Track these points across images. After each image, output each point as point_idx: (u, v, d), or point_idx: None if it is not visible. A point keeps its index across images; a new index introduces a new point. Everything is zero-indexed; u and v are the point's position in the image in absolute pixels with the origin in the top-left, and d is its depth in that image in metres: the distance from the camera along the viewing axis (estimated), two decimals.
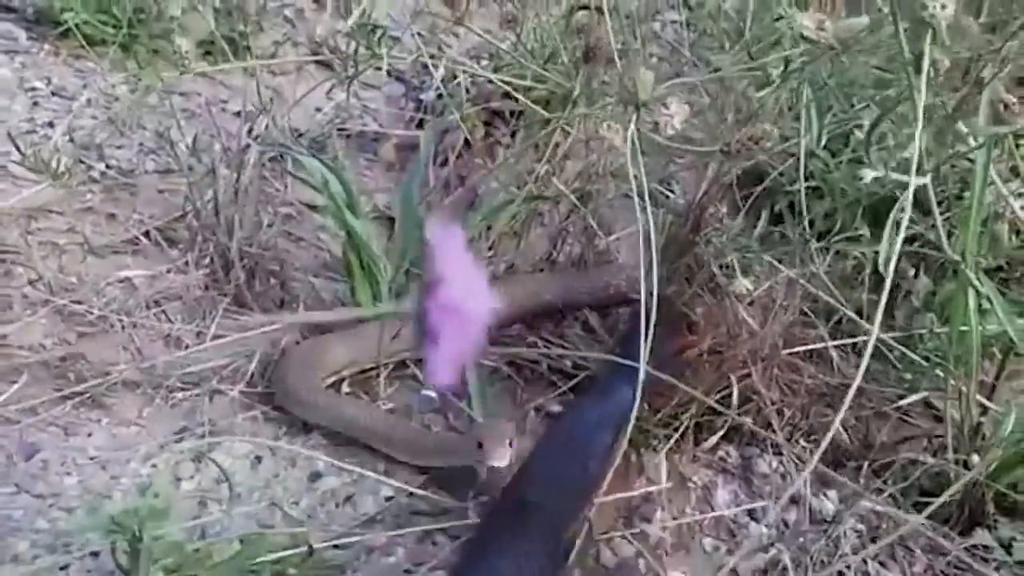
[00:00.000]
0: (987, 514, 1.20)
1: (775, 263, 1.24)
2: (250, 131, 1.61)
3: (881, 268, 0.91)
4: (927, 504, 1.11)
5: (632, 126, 1.00)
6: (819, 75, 1.28)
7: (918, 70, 0.84)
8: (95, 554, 0.99)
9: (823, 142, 1.39)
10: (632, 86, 1.00)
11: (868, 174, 0.95)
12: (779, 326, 1.21)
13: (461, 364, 0.73)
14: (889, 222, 0.95)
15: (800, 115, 1.21)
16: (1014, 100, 0.98)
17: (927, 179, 0.97)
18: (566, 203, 1.38)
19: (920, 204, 1.17)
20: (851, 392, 0.88)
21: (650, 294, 1.05)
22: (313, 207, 1.78)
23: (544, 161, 1.35)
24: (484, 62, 1.84)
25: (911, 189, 0.93)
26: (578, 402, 1.23)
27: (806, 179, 1.25)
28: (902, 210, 0.91)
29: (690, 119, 0.95)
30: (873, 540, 1.18)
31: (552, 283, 1.38)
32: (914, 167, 0.92)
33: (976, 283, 1.15)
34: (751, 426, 1.23)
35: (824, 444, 0.89)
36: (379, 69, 2.14)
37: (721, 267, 1.20)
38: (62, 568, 0.97)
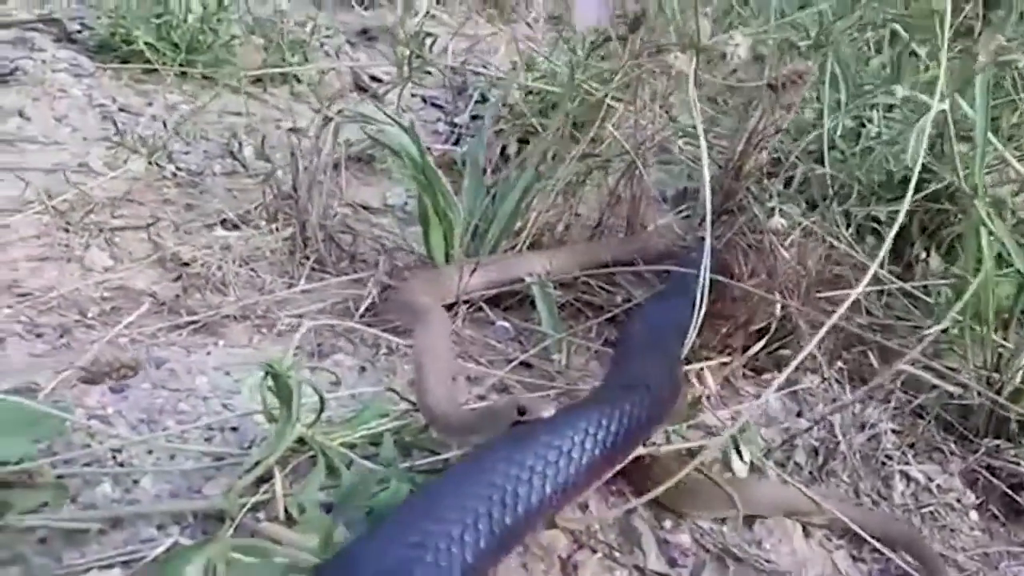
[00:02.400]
0: (1011, 433, 1.35)
1: (802, 215, 1.42)
2: (317, 137, 1.77)
3: (910, 160, 1.09)
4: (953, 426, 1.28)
5: (693, 64, 1.18)
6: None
7: None
8: (234, 428, 1.10)
9: (839, 131, 1.60)
10: (693, 33, 1.19)
11: (899, 91, 1.15)
12: (806, 261, 1.37)
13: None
14: (913, 134, 1.15)
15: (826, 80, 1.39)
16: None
17: (946, 104, 1.16)
18: (615, 170, 1.55)
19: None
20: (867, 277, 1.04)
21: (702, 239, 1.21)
22: (366, 207, 1.95)
23: (595, 127, 1.52)
24: (524, 74, 2.03)
25: (934, 109, 1.12)
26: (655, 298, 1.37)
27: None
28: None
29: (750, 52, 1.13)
30: (911, 446, 1.33)
31: (606, 247, 1.54)
32: (939, 88, 1.11)
33: (986, 219, 1.33)
34: (793, 351, 1.39)
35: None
36: (414, 95, 2.36)
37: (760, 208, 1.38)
38: (207, 439, 1.08)
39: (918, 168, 1.11)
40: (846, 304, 1.07)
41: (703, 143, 1.18)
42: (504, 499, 0.81)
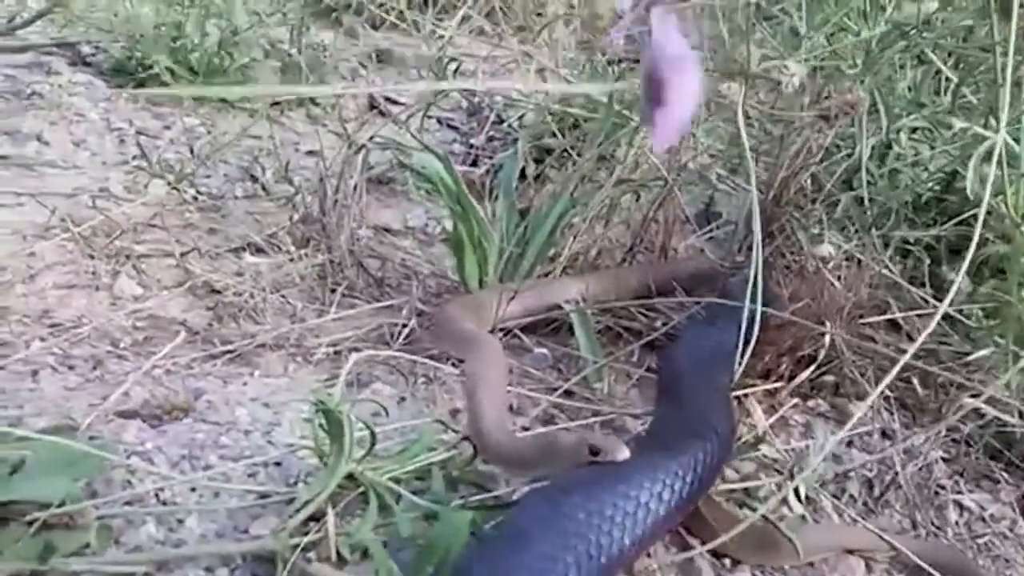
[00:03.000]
0: None
1: (844, 242, 1.40)
2: (344, 163, 1.75)
3: (969, 192, 1.07)
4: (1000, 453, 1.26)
5: (742, 94, 1.16)
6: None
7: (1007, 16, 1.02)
8: (278, 463, 1.07)
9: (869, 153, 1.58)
10: (742, 59, 1.17)
11: (956, 124, 1.13)
12: (858, 288, 1.35)
13: (683, 127, 0.73)
14: (970, 167, 1.13)
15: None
16: None
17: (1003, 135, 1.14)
18: (647, 196, 1.53)
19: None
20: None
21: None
22: (388, 230, 1.92)
23: (626, 152, 1.51)
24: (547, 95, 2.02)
25: (1000, 136, 1.10)
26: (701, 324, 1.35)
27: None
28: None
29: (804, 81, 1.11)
30: (960, 474, 1.30)
31: (642, 271, 1.52)
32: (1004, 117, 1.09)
33: None
34: (837, 378, 1.36)
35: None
36: (430, 117, 2.34)
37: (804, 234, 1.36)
38: (250, 475, 1.05)
39: (983, 201, 1.08)
40: (918, 342, 1.03)
41: (751, 166, 1.15)
42: (588, 550, 0.78)
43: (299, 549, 0.92)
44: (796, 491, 1.07)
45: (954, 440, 1.36)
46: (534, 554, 0.76)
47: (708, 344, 1.22)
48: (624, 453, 0.89)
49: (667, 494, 0.88)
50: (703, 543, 1.04)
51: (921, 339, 1.03)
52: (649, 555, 1.03)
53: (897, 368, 0.98)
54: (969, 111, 1.51)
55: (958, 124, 1.15)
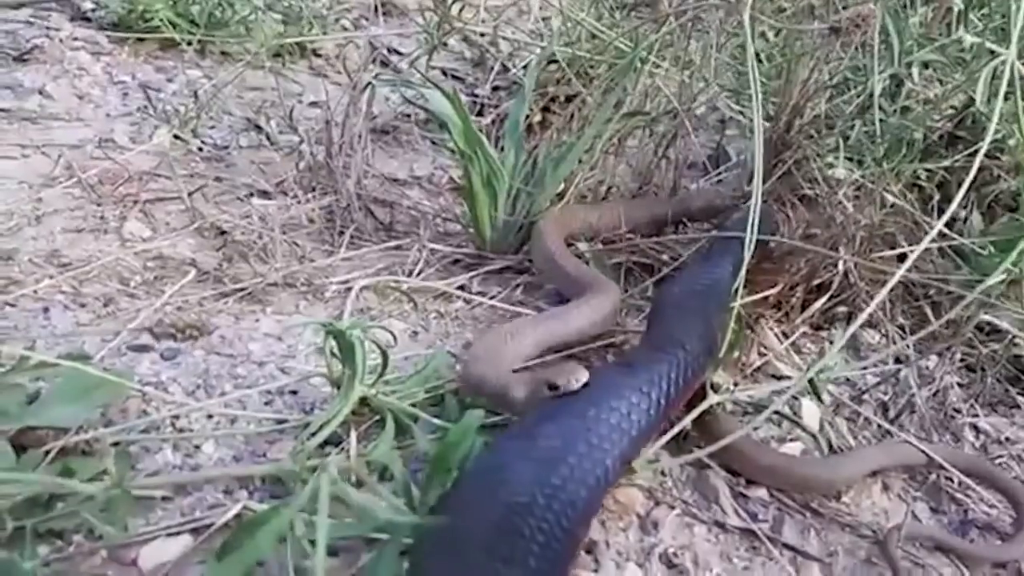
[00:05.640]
0: None
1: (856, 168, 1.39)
2: (350, 105, 1.73)
3: (979, 103, 1.06)
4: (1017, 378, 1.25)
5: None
6: None
7: None
8: (293, 392, 1.07)
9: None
10: None
11: (967, 39, 1.11)
12: (870, 215, 1.34)
13: None
14: (981, 80, 1.11)
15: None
16: None
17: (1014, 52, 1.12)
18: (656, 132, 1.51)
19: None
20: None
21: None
22: (395, 179, 1.91)
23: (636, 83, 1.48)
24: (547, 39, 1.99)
25: (1012, 54, 1.09)
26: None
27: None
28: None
29: None
30: (976, 398, 1.30)
31: (657, 204, 1.51)
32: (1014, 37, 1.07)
33: None
34: (851, 309, 1.35)
35: None
36: (433, 68, 2.32)
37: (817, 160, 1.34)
38: (266, 403, 1.05)
39: (993, 118, 1.07)
40: (915, 254, 1.03)
41: (756, 87, 1.14)
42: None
43: (318, 470, 0.92)
44: (815, 392, 1.06)
45: (969, 367, 1.36)
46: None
47: (699, 276, 1.21)
48: (581, 379, 0.92)
49: (634, 412, 0.89)
50: (721, 465, 1.04)
51: (920, 250, 1.03)
52: (664, 473, 1.03)
53: (891, 283, 0.96)
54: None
55: (968, 39, 1.13)
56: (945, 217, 1.20)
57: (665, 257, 1.44)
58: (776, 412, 1.08)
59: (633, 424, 0.91)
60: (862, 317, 1.05)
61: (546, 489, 0.80)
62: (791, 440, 1.13)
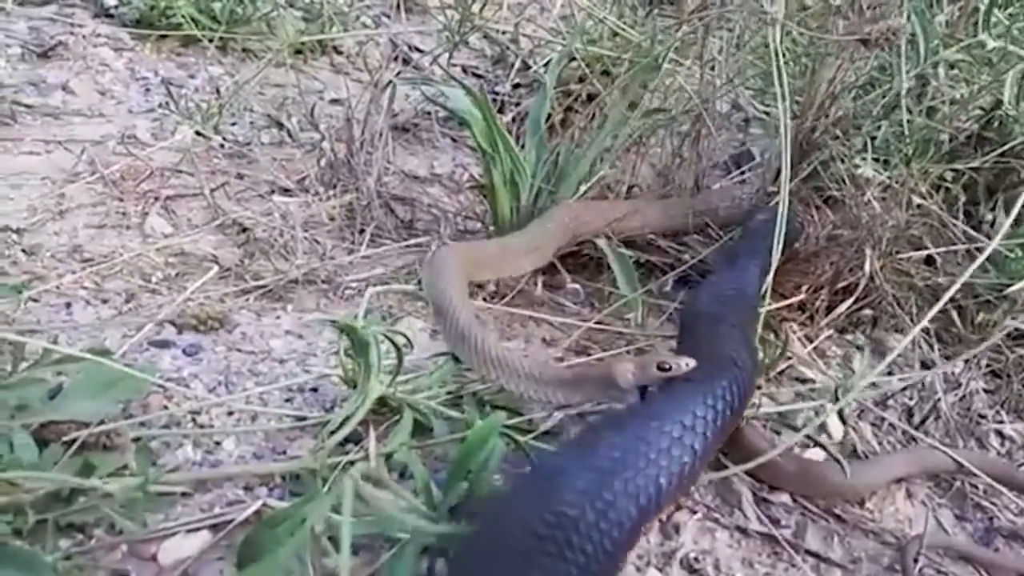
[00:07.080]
0: None
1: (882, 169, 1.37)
2: (371, 102, 1.73)
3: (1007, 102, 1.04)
4: None
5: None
6: None
7: None
8: (314, 390, 1.07)
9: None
10: None
11: (989, 43, 1.09)
12: (897, 216, 1.32)
13: None
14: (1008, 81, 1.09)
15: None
16: None
17: None
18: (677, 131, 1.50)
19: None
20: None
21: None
22: (415, 177, 1.91)
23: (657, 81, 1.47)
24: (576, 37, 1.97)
25: None
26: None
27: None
28: None
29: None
30: (1001, 404, 1.28)
31: (681, 204, 1.50)
32: None
33: None
34: (876, 312, 1.34)
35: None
36: (454, 65, 2.32)
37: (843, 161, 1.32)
38: (287, 400, 1.05)
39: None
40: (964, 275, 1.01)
41: (782, 86, 1.13)
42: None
43: (338, 468, 0.92)
44: (840, 413, 1.05)
45: (995, 373, 1.34)
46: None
47: (727, 282, 1.20)
48: (691, 362, 0.93)
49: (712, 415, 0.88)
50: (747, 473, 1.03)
51: (968, 272, 1.01)
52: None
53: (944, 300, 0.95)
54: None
55: (991, 43, 1.11)
56: (998, 238, 1.17)
57: (686, 256, 1.43)
58: (797, 428, 1.06)
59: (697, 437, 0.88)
60: (904, 342, 1.03)
61: (597, 503, 0.77)
62: (814, 446, 1.11)
